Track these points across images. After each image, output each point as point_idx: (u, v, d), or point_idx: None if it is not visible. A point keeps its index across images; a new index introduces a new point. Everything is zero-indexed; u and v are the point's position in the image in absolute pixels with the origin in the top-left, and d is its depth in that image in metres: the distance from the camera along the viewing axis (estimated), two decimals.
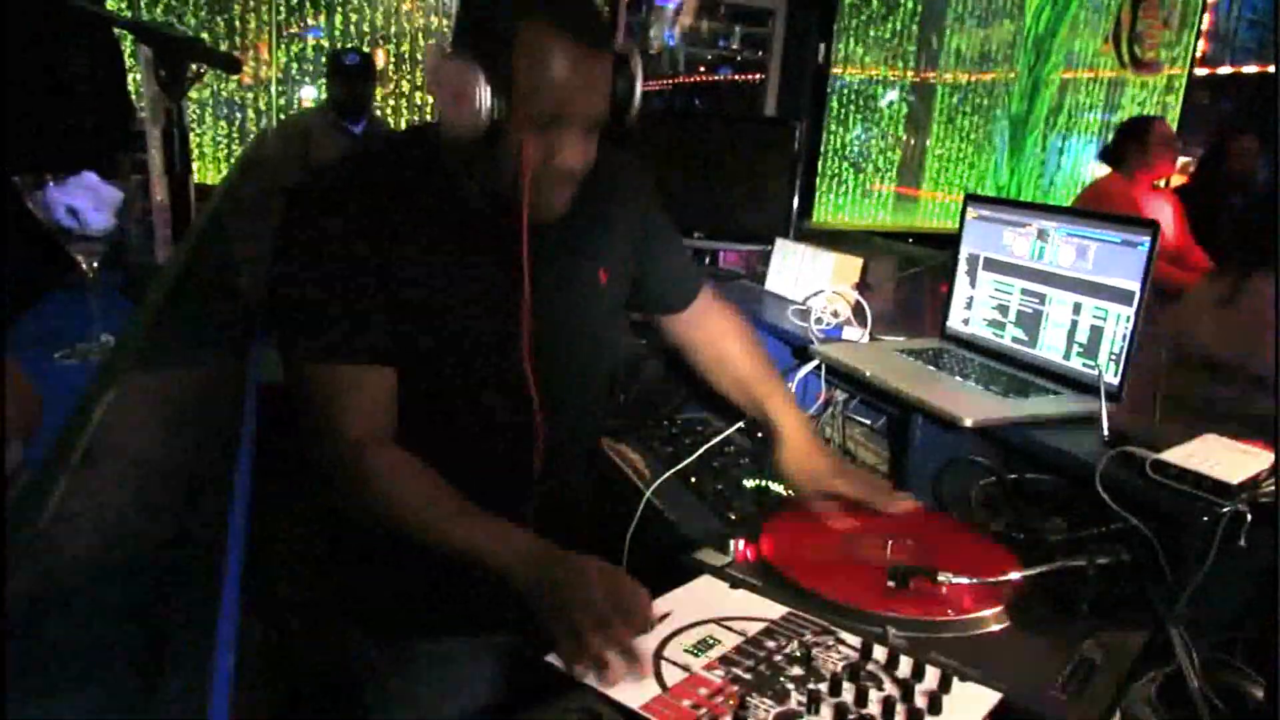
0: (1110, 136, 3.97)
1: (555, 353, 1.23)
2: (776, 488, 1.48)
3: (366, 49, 4.69)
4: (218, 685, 0.72)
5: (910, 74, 6.31)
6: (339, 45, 4.69)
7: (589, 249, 1.26)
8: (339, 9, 4.85)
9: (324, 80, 4.13)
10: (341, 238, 1.09)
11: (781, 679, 0.89)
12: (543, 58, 1.01)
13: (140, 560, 0.72)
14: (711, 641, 0.95)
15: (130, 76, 2.54)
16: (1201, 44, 6.55)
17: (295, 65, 4.85)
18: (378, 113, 4.64)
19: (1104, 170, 3.76)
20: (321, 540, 1.34)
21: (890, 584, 1.07)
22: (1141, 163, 3.58)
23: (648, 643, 0.94)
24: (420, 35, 5.06)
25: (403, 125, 5.03)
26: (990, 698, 0.87)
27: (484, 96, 1.01)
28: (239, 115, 4.81)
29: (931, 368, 1.55)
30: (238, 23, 4.67)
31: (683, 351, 1.48)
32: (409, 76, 5.08)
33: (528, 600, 1.00)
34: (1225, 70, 6.64)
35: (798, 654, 0.93)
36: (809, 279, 2.03)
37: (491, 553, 1.04)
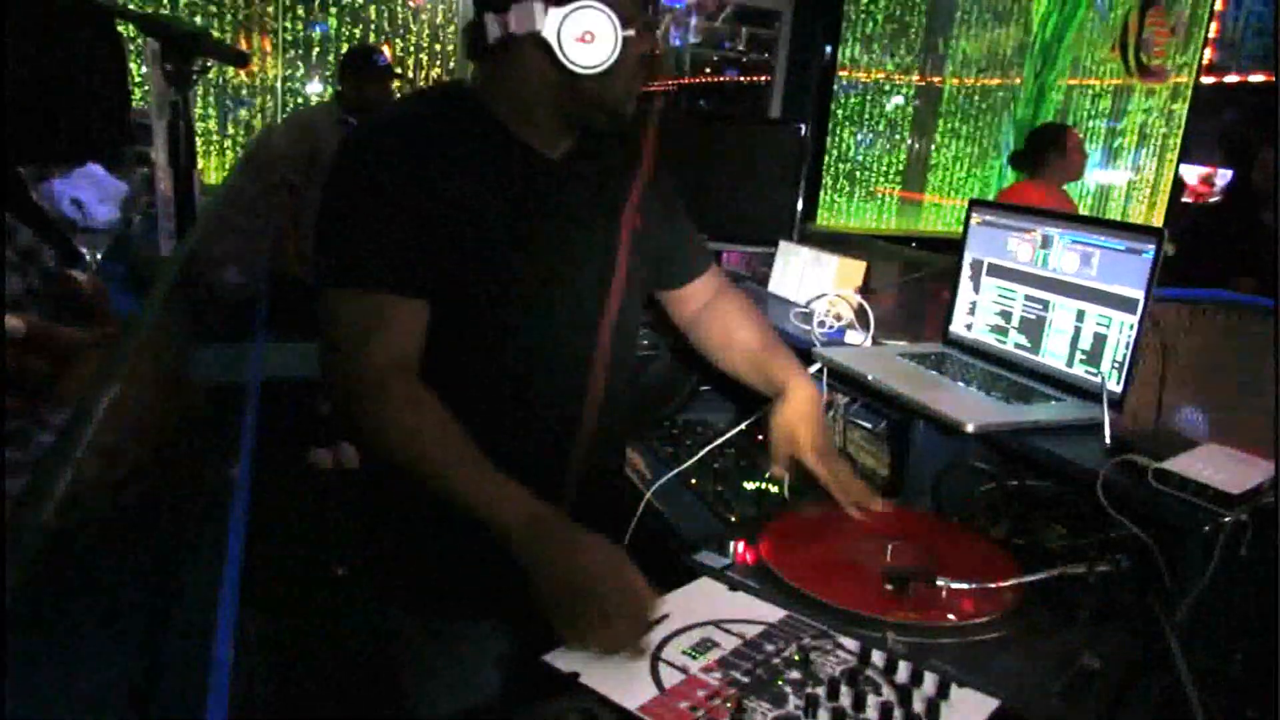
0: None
1: (618, 300, 1.25)
2: (776, 490, 1.48)
3: (360, 40, 4.69)
4: (216, 677, 0.72)
5: (916, 78, 6.31)
6: (345, 41, 4.68)
7: (624, 195, 1.28)
8: (346, 4, 4.85)
9: (332, 76, 4.09)
10: (392, 173, 1.12)
11: (779, 682, 0.89)
12: None
13: (140, 551, 0.72)
14: (710, 644, 0.95)
15: (135, 69, 2.53)
16: (1208, 52, 6.55)
17: (301, 60, 4.85)
18: None
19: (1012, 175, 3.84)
20: (368, 515, 1.33)
21: (889, 588, 1.07)
22: (1061, 167, 3.74)
23: (645, 642, 0.94)
24: (427, 30, 5.06)
25: None
26: (988, 704, 0.87)
27: (605, 19, 1.07)
28: (244, 109, 4.81)
29: (934, 372, 1.55)
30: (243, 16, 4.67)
31: (690, 333, 1.47)
32: (422, 71, 5.08)
33: (526, 565, 1.00)
34: (1232, 79, 6.63)
35: (796, 657, 0.93)
36: (812, 282, 2.03)
37: (494, 509, 1.04)
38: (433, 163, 1.13)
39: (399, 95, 4.67)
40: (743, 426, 1.60)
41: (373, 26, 4.92)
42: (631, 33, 1.10)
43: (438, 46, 5.07)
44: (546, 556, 0.99)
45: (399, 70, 4.63)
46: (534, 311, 1.21)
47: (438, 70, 5.11)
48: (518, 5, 1.08)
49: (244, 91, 4.78)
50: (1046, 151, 3.76)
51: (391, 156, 1.12)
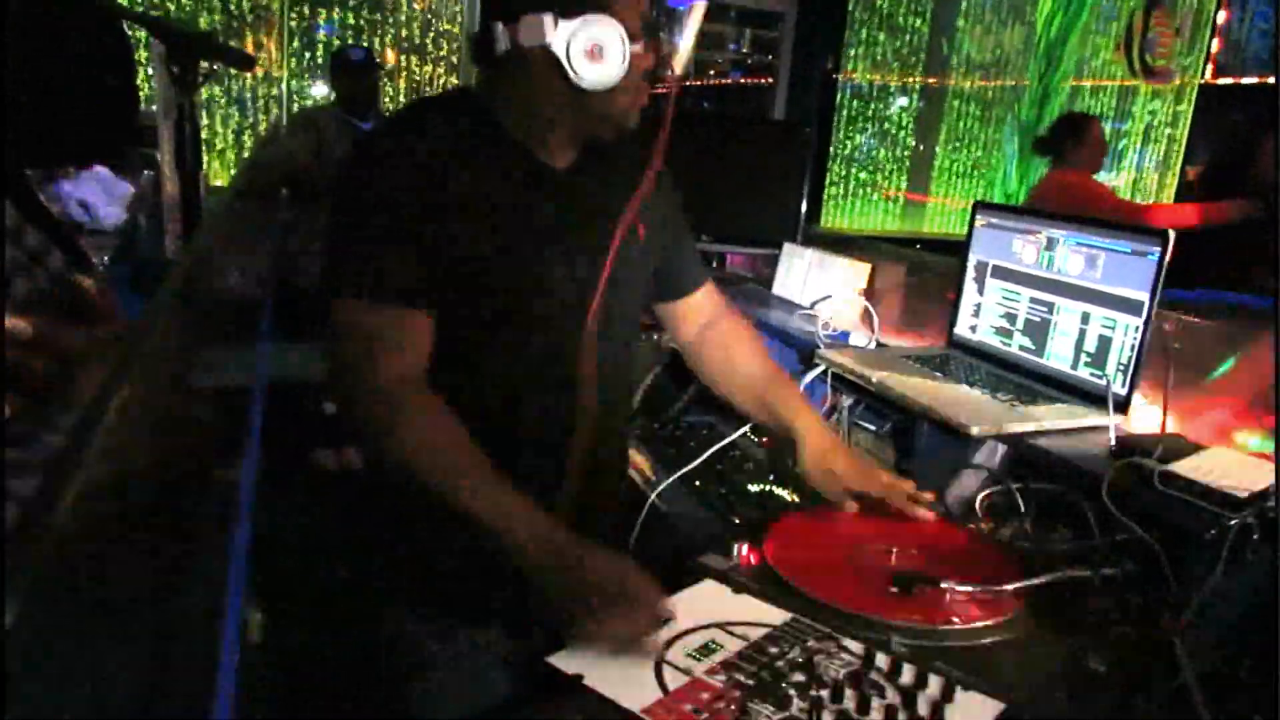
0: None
1: (608, 309, 1.24)
2: (781, 492, 1.47)
3: (367, 44, 4.71)
4: (222, 681, 0.72)
5: (920, 79, 6.30)
6: (349, 43, 4.69)
7: (626, 205, 1.27)
8: (350, 7, 4.86)
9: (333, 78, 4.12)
10: (399, 185, 1.11)
11: (783, 685, 0.89)
12: None
13: (146, 552, 0.72)
14: (714, 646, 0.95)
15: (141, 71, 2.54)
16: (1214, 52, 6.53)
17: (306, 62, 4.86)
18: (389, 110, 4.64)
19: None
20: (377, 522, 1.33)
21: (893, 591, 1.07)
22: (1076, 157, 3.68)
23: (653, 642, 0.95)
24: (433, 36, 5.06)
25: None
26: (993, 707, 0.87)
27: (614, 35, 1.07)
28: (250, 112, 4.82)
29: (938, 374, 1.55)
30: (249, 19, 4.68)
31: (689, 356, 1.47)
32: (425, 76, 5.09)
33: (536, 580, 1.01)
34: (1237, 80, 6.61)
35: (800, 660, 0.93)
36: (817, 284, 2.03)
37: (504, 526, 1.04)
38: (439, 175, 1.12)
39: (390, 89, 4.68)
40: (746, 429, 1.60)
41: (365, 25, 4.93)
42: (639, 48, 1.10)
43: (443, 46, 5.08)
44: (555, 570, 1.01)
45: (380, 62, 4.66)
46: (534, 322, 1.21)
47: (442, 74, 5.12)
48: (527, 17, 1.08)
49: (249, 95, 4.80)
50: (1065, 139, 3.74)
51: (399, 168, 1.12)
